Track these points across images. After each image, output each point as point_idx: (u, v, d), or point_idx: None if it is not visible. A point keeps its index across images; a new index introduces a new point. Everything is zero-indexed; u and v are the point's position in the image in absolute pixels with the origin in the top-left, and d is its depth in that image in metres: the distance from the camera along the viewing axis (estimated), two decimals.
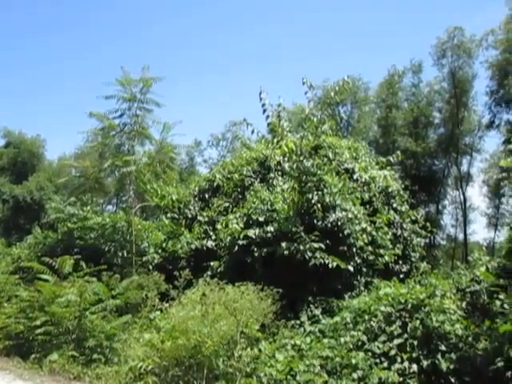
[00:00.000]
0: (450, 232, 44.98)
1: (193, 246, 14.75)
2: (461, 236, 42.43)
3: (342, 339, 8.34)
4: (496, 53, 36.43)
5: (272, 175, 15.51)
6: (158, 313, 10.36)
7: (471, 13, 56.46)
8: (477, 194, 78.77)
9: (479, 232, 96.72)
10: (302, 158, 12.20)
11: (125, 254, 14.63)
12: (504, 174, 11.34)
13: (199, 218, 15.99)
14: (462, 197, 41.73)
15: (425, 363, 7.58)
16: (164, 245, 15.28)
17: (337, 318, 9.33)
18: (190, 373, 7.57)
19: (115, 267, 13.75)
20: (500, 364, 6.73)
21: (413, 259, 14.60)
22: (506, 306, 7.46)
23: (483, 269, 9.65)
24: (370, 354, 7.87)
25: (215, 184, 16.70)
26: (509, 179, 10.89)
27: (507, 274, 8.87)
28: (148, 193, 15.87)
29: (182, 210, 16.61)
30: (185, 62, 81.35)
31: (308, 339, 8.74)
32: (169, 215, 16.62)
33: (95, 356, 9.78)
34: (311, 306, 10.50)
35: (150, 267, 14.38)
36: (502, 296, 7.82)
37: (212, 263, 13.01)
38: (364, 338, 8.28)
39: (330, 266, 10.89)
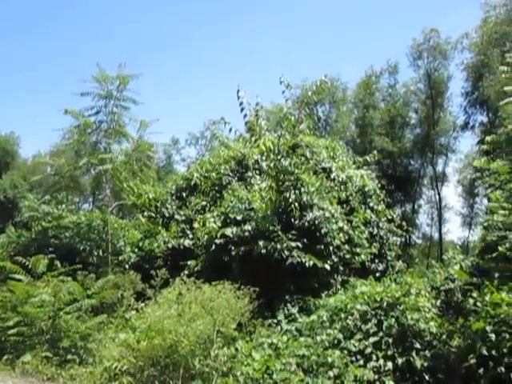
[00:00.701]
0: (425, 231, 45.77)
1: (170, 245, 14.66)
2: (436, 235, 43.13)
3: (319, 338, 8.38)
4: (471, 55, 37.10)
5: (250, 174, 15.52)
6: (134, 312, 10.27)
7: (445, 13, 57.20)
8: (452, 194, 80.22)
9: (454, 231, 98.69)
10: (279, 157, 12.21)
11: (100, 253, 14.49)
12: (478, 174, 11.53)
13: (176, 216, 15.90)
14: (437, 196, 42.40)
15: (400, 361, 7.66)
16: (140, 244, 15.15)
17: (313, 317, 9.36)
18: (166, 372, 7.52)
19: (91, 266, 13.60)
20: (472, 361, 6.84)
21: (389, 258, 14.77)
22: (478, 304, 7.60)
23: (457, 267, 9.84)
24: (345, 352, 7.92)
25: (193, 183, 16.63)
26: (482, 179, 11.07)
27: (480, 273, 9.06)
28: (125, 191, 15.73)
29: (159, 209, 16.49)
30: (161, 59, 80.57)
31: (285, 338, 8.76)
32: (145, 214, 16.49)
33: (69, 357, 9.63)
34: (288, 304, 10.53)
35: (126, 266, 14.26)
36: (475, 294, 7.96)
37: (189, 262, 12.93)
38: (340, 336, 8.33)
39: (307, 264, 10.94)
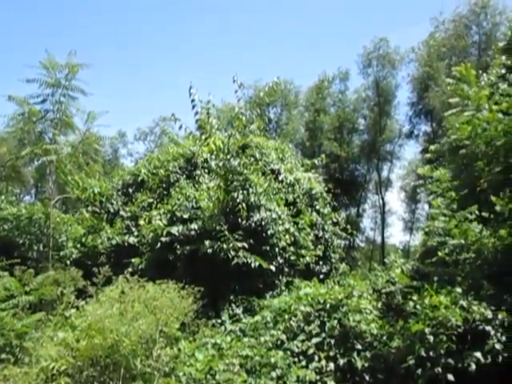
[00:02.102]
0: (368, 235, 46.84)
1: (114, 242, 14.36)
2: (379, 239, 44.24)
3: (262, 338, 8.41)
4: (417, 67, 38.50)
5: (198, 172, 15.39)
6: (74, 310, 9.93)
7: (397, 26, 58.98)
8: (395, 199, 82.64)
9: (396, 235, 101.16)
10: (229, 157, 12.21)
11: (41, 248, 13.96)
12: (421, 181, 11.95)
13: (122, 212, 15.57)
14: (381, 201, 43.55)
15: (341, 361, 7.81)
16: (83, 239, 14.74)
17: (257, 317, 9.40)
18: (106, 373, 7.32)
19: (30, 261, 13.05)
20: (411, 362, 7.04)
21: (333, 260, 15.04)
22: (418, 306, 7.83)
23: (398, 271, 10.12)
24: (288, 352, 7.99)
25: (140, 179, 16.32)
26: (425, 186, 11.49)
27: (420, 277, 9.36)
28: (69, 184, 15.21)
29: (103, 204, 16.07)
30: (111, 52, 78.53)
31: (228, 338, 8.74)
32: (90, 209, 16.01)
33: (3, 356, 9.16)
34: (232, 304, 10.54)
35: (68, 262, 13.82)
36: (415, 297, 8.20)
37: (133, 260, 12.72)
38: (283, 337, 8.40)
39: (252, 265, 10.99)
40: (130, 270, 12.07)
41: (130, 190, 16.36)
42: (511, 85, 8.73)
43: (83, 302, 9.62)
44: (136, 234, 14.37)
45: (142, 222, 13.64)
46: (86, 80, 14.36)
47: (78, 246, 14.61)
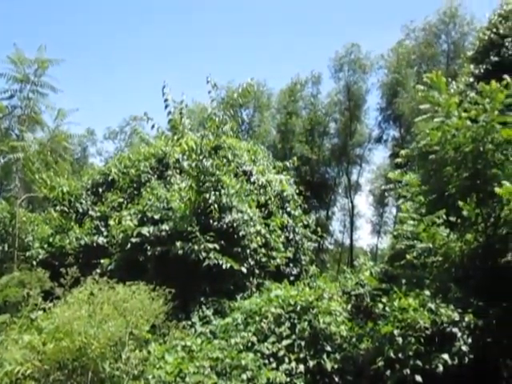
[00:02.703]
0: (337, 237, 47.38)
1: (82, 242, 14.10)
2: (347, 241, 44.80)
3: (233, 340, 8.39)
4: (387, 73, 39.23)
5: (170, 173, 15.25)
6: (41, 312, 9.69)
7: (369, 32, 59.98)
8: (364, 203, 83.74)
9: (364, 238, 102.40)
10: (201, 158, 12.14)
11: (6, 248, 13.60)
12: (390, 186, 12.16)
13: (91, 212, 15.32)
14: (350, 204, 44.14)
15: (311, 363, 7.88)
16: (51, 239, 14.40)
17: (228, 319, 9.37)
18: (74, 377, 7.16)
19: None
20: (380, 363, 7.14)
21: (303, 262, 15.10)
22: (387, 309, 7.95)
23: (367, 273, 10.30)
24: (259, 354, 7.99)
25: (110, 178, 16.08)
26: (395, 190, 11.69)
27: (389, 279, 9.52)
28: (36, 183, 14.84)
29: (72, 204, 15.75)
30: (83, 50, 77.26)
31: (199, 340, 8.69)
32: (58, 208, 15.66)
33: None
34: (203, 306, 10.47)
35: (34, 263, 13.46)
36: (384, 299, 8.33)
37: (102, 261, 12.51)
38: (254, 339, 8.39)
39: (223, 266, 10.94)
40: (98, 271, 11.90)
41: (100, 190, 16.10)
42: (479, 93, 8.93)
43: (50, 303, 9.40)
44: (105, 234, 14.16)
45: (111, 223, 13.43)
46: (57, 77, 14.09)
47: (45, 246, 14.26)
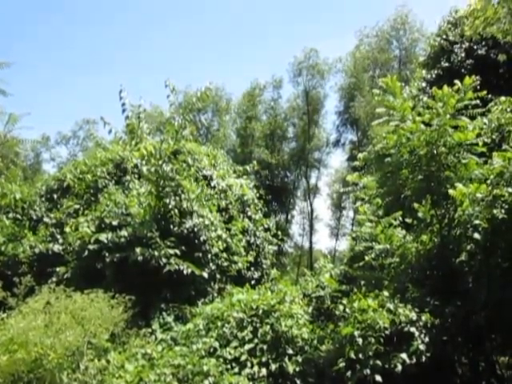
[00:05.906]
0: (297, 240, 47.80)
1: (37, 250, 13.63)
2: (307, 244, 45.29)
3: (195, 346, 8.30)
4: (344, 78, 39.97)
5: (128, 178, 14.98)
6: None
7: (327, 37, 60.92)
8: (322, 206, 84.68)
9: (322, 241, 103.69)
10: (160, 162, 11.99)
11: None
12: (349, 189, 12.34)
13: (46, 219, 14.84)
14: (309, 208, 44.62)
15: (273, 367, 7.88)
16: (3, 248, 13.86)
17: (189, 325, 9.27)
18: None
19: None
20: (342, 364, 7.22)
21: (264, 266, 15.15)
22: (347, 310, 8.06)
23: (327, 276, 10.42)
24: (221, 360, 7.95)
25: (65, 184, 15.61)
26: (354, 192, 11.89)
27: (349, 281, 9.67)
28: None
29: (26, 211, 15.24)
30: (36, 52, 75.25)
31: (159, 347, 8.55)
32: (10, 215, 15.14)
33: None
34: (164, 313, 10.31)
35: None
36: (344, 301, 8.44)
37: (58, 269, 12.15)
38: (216, 344, 8.34)
39: (184, 272, 10.83)
40: (54, 279, 11.55)
41: (55, 196, 15.63)
42: (432, 97, 9.22)
43: (4, 314, 9.08)
44: (61, 241, 13.74)
45: (68, 229, 13.06)
46: (7, 80, 13.61)
47: None
